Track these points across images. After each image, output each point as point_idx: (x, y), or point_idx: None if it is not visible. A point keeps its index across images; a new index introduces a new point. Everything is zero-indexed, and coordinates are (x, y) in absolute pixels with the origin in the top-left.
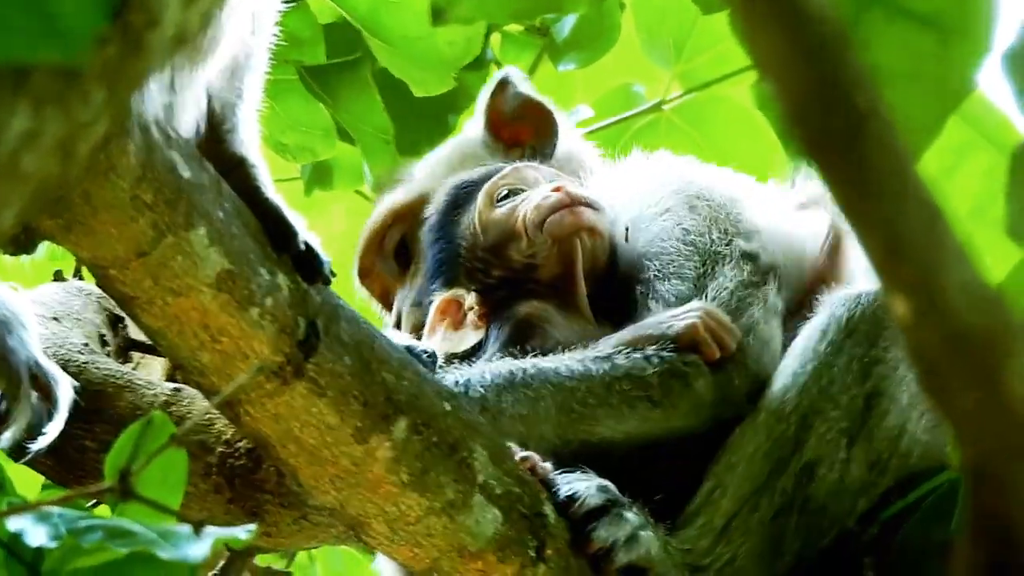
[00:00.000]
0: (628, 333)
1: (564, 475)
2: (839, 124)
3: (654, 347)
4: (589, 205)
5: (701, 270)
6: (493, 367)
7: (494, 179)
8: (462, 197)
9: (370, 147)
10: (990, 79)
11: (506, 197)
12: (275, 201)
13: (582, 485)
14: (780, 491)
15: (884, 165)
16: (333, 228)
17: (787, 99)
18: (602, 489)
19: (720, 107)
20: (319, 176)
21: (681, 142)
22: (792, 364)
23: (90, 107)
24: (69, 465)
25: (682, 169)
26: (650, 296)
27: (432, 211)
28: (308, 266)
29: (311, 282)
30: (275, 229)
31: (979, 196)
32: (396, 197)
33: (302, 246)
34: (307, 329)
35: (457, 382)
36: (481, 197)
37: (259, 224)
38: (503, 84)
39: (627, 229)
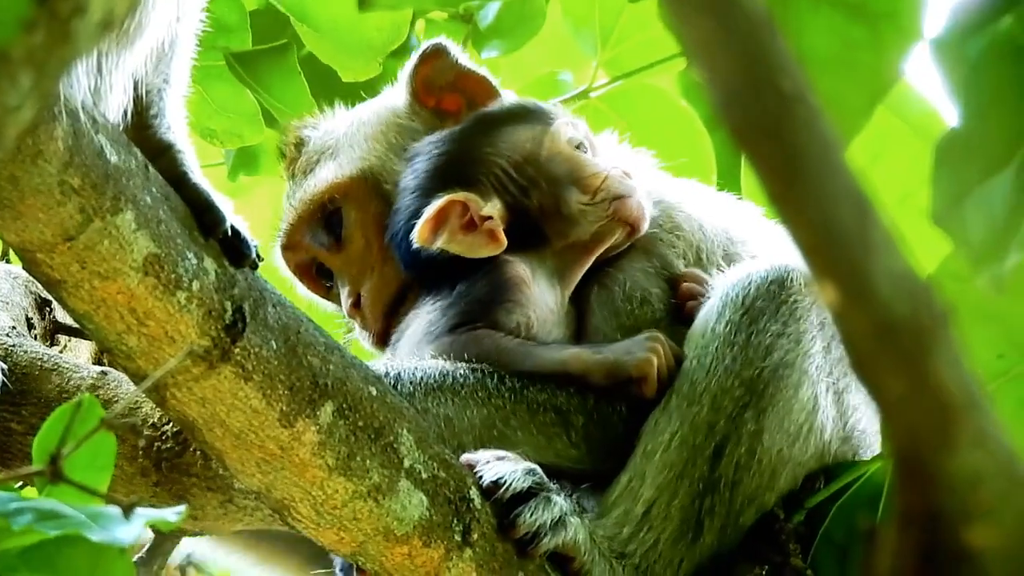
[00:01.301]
0: (588, 352)
1: (490, 459)
2: (766, 110)
3: (603, 377)
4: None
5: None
6: (426, 364)
7: (567, 120)
8: (521, 116)
9: None
10: (913, 68)
11: (578, 147)
12: (202, 186)
13: (508, 469)
14: (697, 475)
15: (812, 152)
16: (258, 213)
17: (715, 85)
18: (529, 473)
19: (647, 95)
20: (244, 161)
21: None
22: (695, 348)
23: (18, 91)
24: None
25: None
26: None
27: (479, 116)
28: (235, 250)
29: (238, 266)
30: (202, 214)
31: (904, 184)
32: (332, 173)
33: (229, 230)
34: (234, 313)
35: (387, 373)
36: (560, 128)
37: (186, 209)
38: (436, 52)
39: None
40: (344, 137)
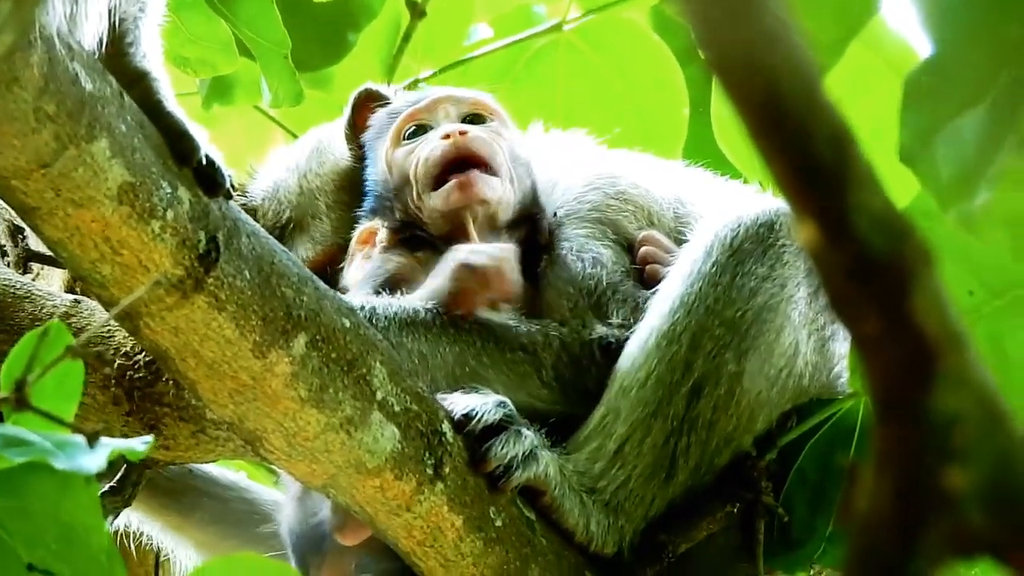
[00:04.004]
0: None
1: (461, 393)
2: (746, 43)
3: (557, 324)
4: (482, 161)
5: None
6: (401, 300)
7: (405, 112)
8: (385, 127)
9: (268, 62)
10: (889, 3)
11: (414, 134)
12: (177, 115)
13: (479, 402)
14: (672, 414)
15: (792, 86)
16: (232, 143)
17: (694, 18)
18: (500, 405)
19: (621, 30)
20: (218, 91)
21: (581, 64)
22: (678, 286)
23: None
24: None
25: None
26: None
27: (367, 139)
28: (210, 180)
29: (212, 196)
30: (177, 143)
31: (877, 121)
32: (310, 251)
33: (204, 160)
34: (208, 243)
35: (363, 307)
36: (390, 133)
37: (161, 138)
38: (368, 97)
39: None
40: (301, 207)
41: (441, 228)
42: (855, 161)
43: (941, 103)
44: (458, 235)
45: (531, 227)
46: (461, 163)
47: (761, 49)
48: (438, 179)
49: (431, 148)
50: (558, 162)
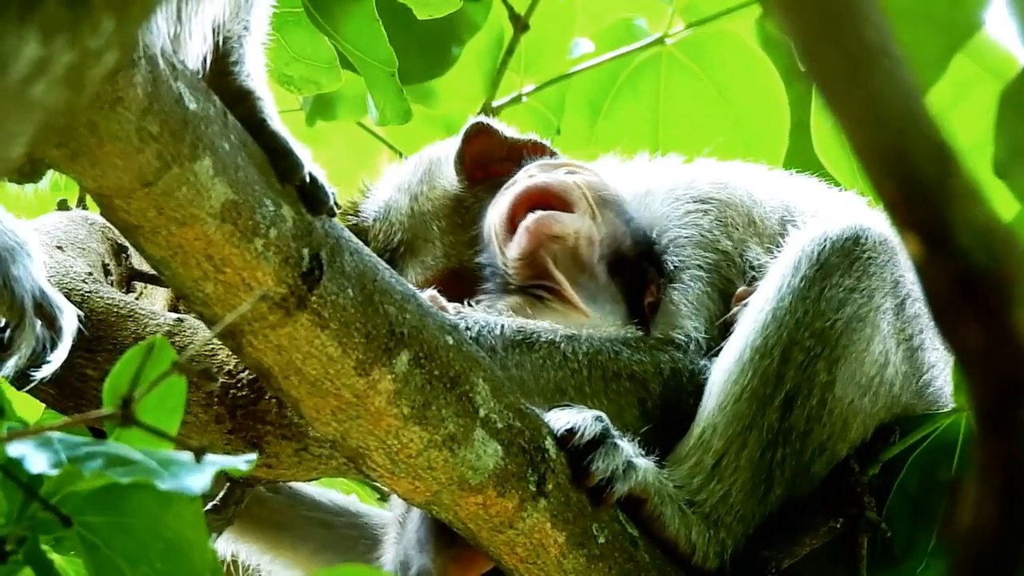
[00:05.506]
0: None
1: (557, 409)
2: (849, 58)
3: (669, 348)
4: (553, 197)
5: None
6: (507, 322)
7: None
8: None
9: (374, 79)
10: (994, 16)
11: None
12: (281, 133)
13: (578, 417)
14: (767, 426)
15: (895, 100)
16: (335, 160)
17: (797, 33)
18: (597, 419)
19: (723, 42)
20: (321, 107)
21: (683, 77)
22: (769, 301)
23: (99, 36)
24: (71, 393)
25: (705, 178)
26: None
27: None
28: (313, 198)
29: (316, 213)
30: (280, 161)
31: (981, 132)
32: (420, 275)
33: (307, 178)
34: (311, 261)
35: (468, 328)
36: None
37: (264, 156)
38: (480, 131)
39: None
40: (413, 229)
41: (525, 277)
42: (957, 176)
43: None
44: (543, 280)
45: (639, 269)
46: (534, 207)
47: (863, 63)
48: (511, 222)
49: (505, 197)
50: (652, 174)
